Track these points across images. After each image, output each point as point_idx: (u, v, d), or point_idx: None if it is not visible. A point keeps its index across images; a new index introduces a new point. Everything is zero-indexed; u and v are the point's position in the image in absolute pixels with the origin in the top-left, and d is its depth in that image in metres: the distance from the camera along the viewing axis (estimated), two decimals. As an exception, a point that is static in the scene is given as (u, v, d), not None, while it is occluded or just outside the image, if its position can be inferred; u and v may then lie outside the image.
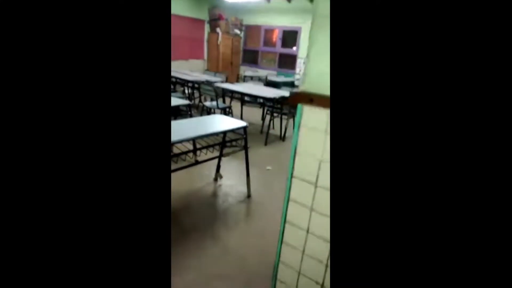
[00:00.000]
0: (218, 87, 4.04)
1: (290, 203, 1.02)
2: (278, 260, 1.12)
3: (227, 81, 4.97)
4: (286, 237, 1.07)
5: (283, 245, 1.09)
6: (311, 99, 0.85)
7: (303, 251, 1.02)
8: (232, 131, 2.19)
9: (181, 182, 2.56)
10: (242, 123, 2.25)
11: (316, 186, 0.92)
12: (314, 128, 0.88)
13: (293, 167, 0.97)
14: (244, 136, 2.31)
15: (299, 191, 0.97)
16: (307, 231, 0.99)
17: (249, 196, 2.46)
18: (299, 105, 0.91)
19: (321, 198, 0.92)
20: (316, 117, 0.86)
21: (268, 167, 3.10)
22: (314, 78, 0.85)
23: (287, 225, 1.05)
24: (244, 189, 2.52)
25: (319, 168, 0.89)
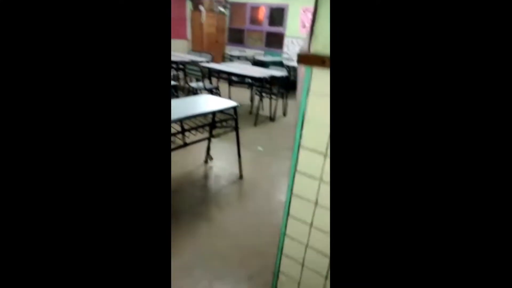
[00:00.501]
0: (204, 67, 3.91)
1: (297, 174, 0.97)
2: (284, 233, 1.09)
3: (213, 61, 4.81)
4: (293, 211, 1.04)
5: (289, 218, 1.06)
6: (323, 60, 0.79)
7: (311, 223, 1.00)
8: (222, 111, 2.13)
9: (171, 165, 2.51)
10: (232, 103, 2.19)
11: (325, 156, 0.89)
12: (325, 93, 0.83)
13: (300, 137, 0.93)
14: (235, 116, 2.25)
15: (307, 162, 0.93)
16: (315, 204, 0.96)
17: (241, 177, 2.44)
18: (307, 69, 0.85)
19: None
20: (328, 81, 0.81)
21: (259, 148, 3.07)
22: (326, 38, 0.79)
23: (293, 198, 1.02)
24: (235, 170, 2.50)
25: (330, 137, 0.86)
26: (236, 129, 2.31)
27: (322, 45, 0.80)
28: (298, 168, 0.97)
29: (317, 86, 0.85)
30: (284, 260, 1.12)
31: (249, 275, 1.48)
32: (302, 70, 0.97)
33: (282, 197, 2.24)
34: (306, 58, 0.83)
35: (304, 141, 0.92)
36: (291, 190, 1.01)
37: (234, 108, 2.19)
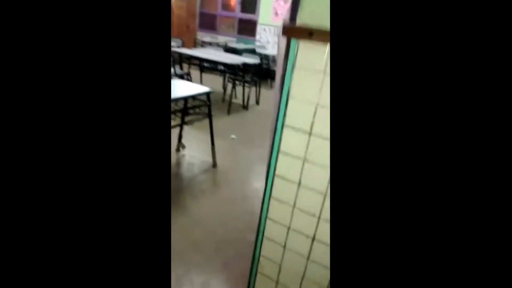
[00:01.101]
0: (175, 52, 3.74)
1: (280, 155, 0.95)
2: (266, 216, 1.08)
3: (183, 46, 4.61)
4: (275, 192, 1.02)
5: (271, 200, 1.04)
6: (311, 32, 0.75)
7: (294, 204, 0.99)
8: (194, 97, 2.05)
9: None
10: (205, 89, 2.11)
11: (310, 135, 0.87)
12: (311, 68, 0.81)
13: (284, 115, 0.90)
14: (208, 102, 2.18)
15: (291, 141, 0.91)
16: (299, 184, 0.95)
17: (214, 165, 2.39)
18: (293, 42, 0.82)
19: (316, 147, 0.87)
20: (315, 55, 0.78)
21: (233, 136, 3.03)
22: (313, 8, 0.75)
23: (276, 179, 1.00)
24: (208, 158, 2.45)
25: (314, 115, 0.84)
26: (209, 116, 2.24)
27: (310, 16, 0.77)
28: (282, 148, 0.94)
29: (304, 61, 0.82)
30: (266, 243, 1.11)
31: (224, 262, 1.47)
32: (283, 43, 0.93)
33: (256, 184, 2.24)
34: (292, 30, 0.79)
35: (289, 120, 0.90)
36: (274, 171, 0.99)
37: (207, 94, 2.12)
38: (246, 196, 2.07)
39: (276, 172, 0.99)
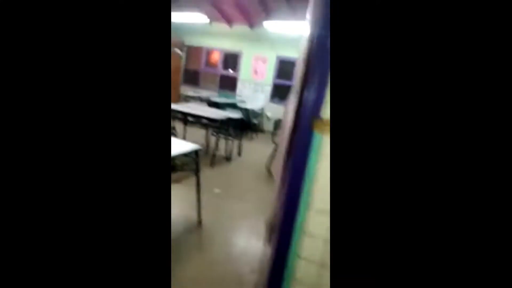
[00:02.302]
0: (160, 107, 3.83)
1: (306, 238, 0.97)
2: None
3: (168, 100, 4.75)
4: (299, 275, 1.00)
5: (292, 282, 1.02)
6: None
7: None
8: (185, 155, 2.08)
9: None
10: (194, 146, 2.16)
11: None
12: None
13: (309, 200, 0.94)
14: (196, 159, 2.21)
15: (316, 223, 0.94)
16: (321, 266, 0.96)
17: (200, 222, 2.33)
18: (317, 135, 0.89)
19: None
20: None
21: (217, 190, 3.01)
22: None
23: (302, 262, 0.99)
24: (193, 215, 2.38)
25: None
26: (197, 173, 2.25)
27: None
28: (306, 230, 0.97)
29: (326, 149, 0.89)
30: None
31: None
32: (289, 114, 0.99)
33: (243, 243, 2.18)
34: (320, 124, 0.87)
35: (315, 204, 0.94)
36: (297, 253, 1.00)
37: (196, 151, 2.16)
38: (234, 257, 1.99)
39: (302, 255, 1.00)
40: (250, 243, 2.20)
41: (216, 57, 7.10)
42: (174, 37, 6.86)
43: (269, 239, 1.26)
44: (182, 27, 6.85)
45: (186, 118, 4.29)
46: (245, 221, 2.48)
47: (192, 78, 7.41)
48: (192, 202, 2.39)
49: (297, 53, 0.91)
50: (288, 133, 1.02)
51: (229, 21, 6.49)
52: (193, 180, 2.28)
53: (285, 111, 1.34)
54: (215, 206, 2.70)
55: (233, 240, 2.21)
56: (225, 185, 3.19)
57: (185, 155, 2.11)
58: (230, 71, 6.98)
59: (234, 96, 6.71)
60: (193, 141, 2.24)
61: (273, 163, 2.95)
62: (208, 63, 7.24)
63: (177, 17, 5.85)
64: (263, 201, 2.84)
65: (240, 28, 6.51)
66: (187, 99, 5.91)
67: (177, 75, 7.19)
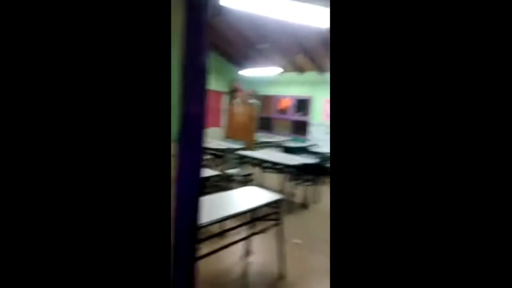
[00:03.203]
0: (242, 155, 4.10)
1: None
2: None
3: (246, 148, 5.07)
4: None
5: None
6: None
7: None
8: (268, 205, 2.11)
9: (205, 263, 2.37)
10: (278, 196, 2.18)
11: None
12: None
13: None
14: (279, 210, 2.22)
15: None
16: None
17: (282, 277, 2.24)
18: None
19: None
20: None
21: (296, 241, 2.90)
22: None
23: None
24: (272, 267, 2.31)
25: None
26: (280, 223, 2.23)
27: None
28: None
29: None
30: None
31: None
32: None
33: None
34: None
35: None
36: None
37: (279, 201, 2.18)
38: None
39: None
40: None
41: (288, 103, 7.41)
42: (248, 88, 7.53)
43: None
44: (256, 79, 7.50)
45: (262, 164, 4.44)
46: (327, 278, 2.27)
47: (266, 124, 7.81)
48: (270, 252, 2.34)
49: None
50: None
51: (299, 69, 6.85)
52: (271, 228, 2.26)
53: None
54: (295, 258, 2.58)
55: (319, 301, 2.03)
56: (304, 235, 3.06)
57: (268, 205, 2.13)
58: (302, 115, 7.13)
59: (305, 140, 6.74)
60: (270, 187, 2.26)
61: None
62: (280, 110, 7.59)
63: (253, 72, 6.45)
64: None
65: (310, 74, 6.76)
66: (261, 145, 6.19)
67: (253, 123, 7.68)
